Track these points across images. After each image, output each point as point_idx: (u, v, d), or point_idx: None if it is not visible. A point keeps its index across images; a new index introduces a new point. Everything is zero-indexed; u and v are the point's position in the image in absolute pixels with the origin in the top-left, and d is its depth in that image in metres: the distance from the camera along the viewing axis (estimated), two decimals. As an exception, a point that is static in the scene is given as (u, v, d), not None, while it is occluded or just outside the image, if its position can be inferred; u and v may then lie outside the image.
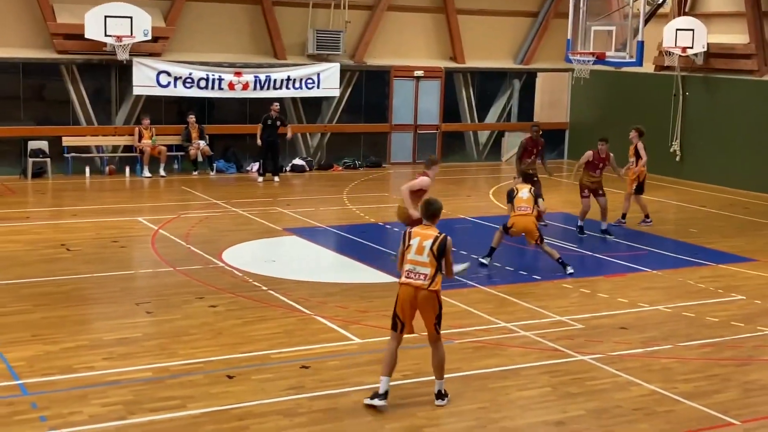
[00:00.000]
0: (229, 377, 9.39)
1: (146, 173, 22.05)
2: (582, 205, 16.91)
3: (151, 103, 22.65)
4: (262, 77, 23.29)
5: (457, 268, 13.38)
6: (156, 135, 22.36)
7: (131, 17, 21.11)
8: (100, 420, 8.26)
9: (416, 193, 13.06)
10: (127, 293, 12.46)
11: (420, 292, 8.68)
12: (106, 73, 22.27)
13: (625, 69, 23.75)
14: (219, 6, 23.26)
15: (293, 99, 24.02)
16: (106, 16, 20.96)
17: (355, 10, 24.43)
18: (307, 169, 24.04)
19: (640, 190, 17.98)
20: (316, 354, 10.19)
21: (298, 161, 24.03)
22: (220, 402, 8.75)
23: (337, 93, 24.37)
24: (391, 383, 8.77)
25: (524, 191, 14.31)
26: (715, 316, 12.14)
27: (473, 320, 11.63)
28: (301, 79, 23.75)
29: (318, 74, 23.90)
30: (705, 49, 23.33)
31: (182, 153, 22.91)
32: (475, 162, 26.53)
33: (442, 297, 8.87)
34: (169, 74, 22.36)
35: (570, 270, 13.98)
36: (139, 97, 22.49)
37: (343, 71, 24.37)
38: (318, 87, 23.98)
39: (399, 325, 8.79)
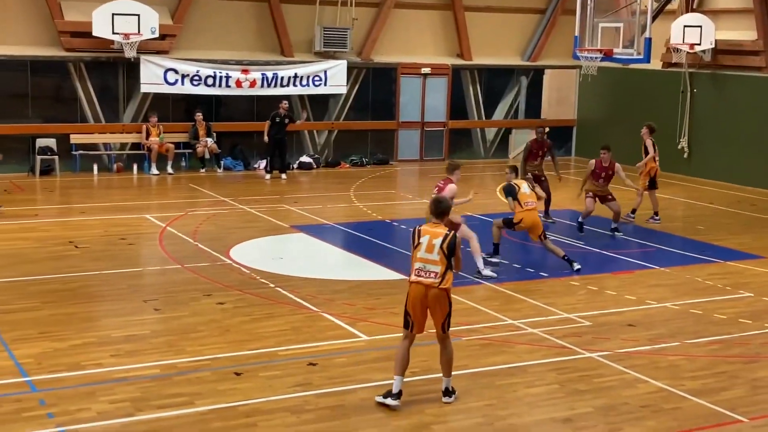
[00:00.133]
0: (237, 374, 9.40)
1: (154, 171, 22.08)
2: (585, 204, 16.80)
3: (158, 100, 22.66)
4: (269, 75, 23.26)
5: (487, 272, 13.49)
6: (163, 132, 22.38)
7: (138, 15, 21.10)
8: (108, 417, 8.28)
9: None
10: (134, 290, 12.49)
11: (431, 290, 8.68)
12: (114, 70, 22.30)
13: (632, 66, 23.63)
14: (226, 3, 23.27)
15: (300, 96, 24.02)
16: (113, 14, 20.96)
17: (362, 7, 24.40)
18: (315, 166, 24.03)
19: (653, 185, 17.95)
20: (323, 351, 10.20)
21: (305, 158, 24.02)
22: (227, 399, 8.76)
23: (344, 90, 24.35)
24: (399, 380, 8.79)
25: (524, 186, 14.31)
26: (722, 313, 12.12)
27: (480, 317, 11.63)
28: (308, 77, 23.73)
29: (325, 71, 23.89)
30: (713, 46, 23.26)
31: (190, 150, 22.92)
32: (482, 159, 26.48)
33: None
34: (176, 72, 22.37)
35: (577, 266, 13.95)
36: (146, 94, 22.51)
37: (350, 68, 24.35)
38: (325, 84, 23.95)
39: (411, 324, 8.80)
